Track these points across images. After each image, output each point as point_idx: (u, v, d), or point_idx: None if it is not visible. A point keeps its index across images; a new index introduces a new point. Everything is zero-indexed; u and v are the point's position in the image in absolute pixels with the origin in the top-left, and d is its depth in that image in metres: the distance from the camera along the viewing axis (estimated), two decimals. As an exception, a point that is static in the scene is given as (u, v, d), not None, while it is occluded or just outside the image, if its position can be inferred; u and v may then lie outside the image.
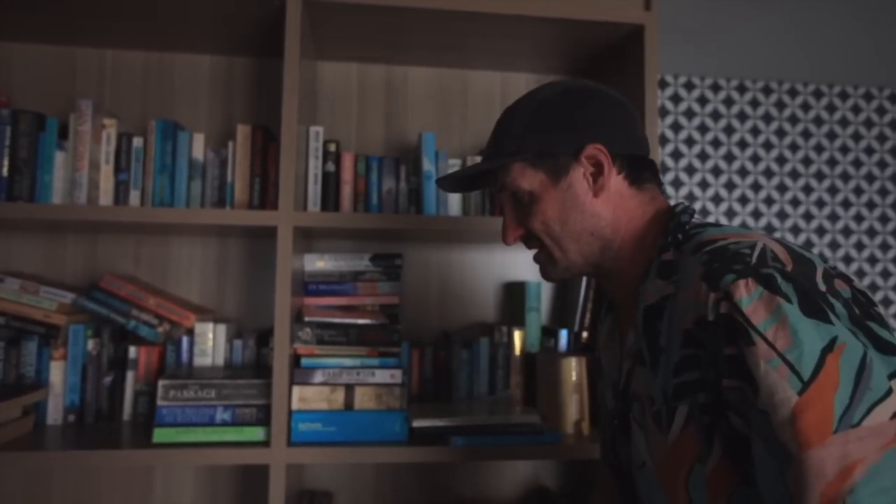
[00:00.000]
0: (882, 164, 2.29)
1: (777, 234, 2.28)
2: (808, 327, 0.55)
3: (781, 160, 2.29)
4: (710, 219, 2.22)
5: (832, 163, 2.28)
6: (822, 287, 0.58)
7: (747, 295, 0.58)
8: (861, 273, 2.28)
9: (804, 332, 0.54)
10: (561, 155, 0.77)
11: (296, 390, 1.21)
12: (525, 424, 1.24)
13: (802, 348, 0.54)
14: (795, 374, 0.54)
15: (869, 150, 2.32)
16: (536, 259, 0.83)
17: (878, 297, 2.20)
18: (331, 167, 1.40)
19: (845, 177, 2.27)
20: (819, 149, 2.28)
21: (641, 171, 0.79)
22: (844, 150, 2.30)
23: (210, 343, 1.37)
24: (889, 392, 0.53)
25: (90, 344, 1.33)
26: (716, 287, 0.60)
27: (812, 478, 0.51)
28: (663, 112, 2.25)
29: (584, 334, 1.42)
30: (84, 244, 1.47)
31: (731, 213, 2.17)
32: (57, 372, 1.32)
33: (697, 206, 2.12)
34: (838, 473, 0.50)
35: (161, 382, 1.18)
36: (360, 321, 1.26)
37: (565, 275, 0.81)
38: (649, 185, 0.80)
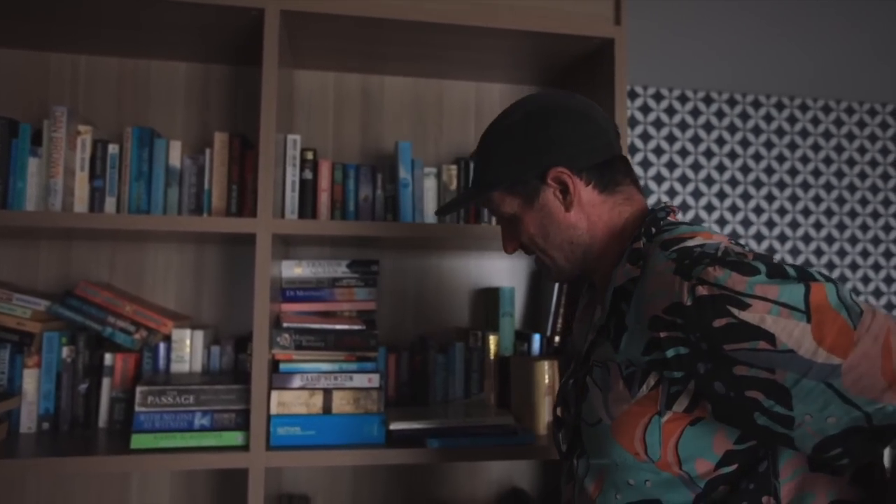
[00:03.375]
0: (840, 174, 2.38)
1: (742, 241, 2.35)
2: (779, 283, 0.65)
3: (745, 169, 2.37)
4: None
5: (793, 172, 2.37)
6: (784, 268, 0.68)
7: (721, 274, 0.66)
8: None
9: (783, 282, 0.64)
10: (530, 180, 0.84)
11: (274, 395, 1.22)
12: (499, 426, 1.28)
13: (787, 289, 0.64)
14: (795, 310, 0.63)
15: (828, 160, 2.40)
16: (536, 264, 0.90)
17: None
18: (308, 175, 1.42)
19: (805, 185, 2.35)
20: (781, 159, 2.36)
21: (612, 175, 0.85)
22: (805, 160, 2.39)
23: (187, 349, 1.37)
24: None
25: (65, 351, 1.33)
26: (688, 276, 0.68)
27: (866, 368, 0.61)
28: (633, 122, 2.31)
29: (556, 339, 1.46)
30: (58, 251, 1.46)
31: (697, 221, 2.24)
32: (30, 380, 1.31)
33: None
34: (881, 352, 0.61)
35: (139, 388, 1.19)
36: (338, 326, 1.28)
37: (560, 278, 0.90)
38: (623, 186, 0.86)
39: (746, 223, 2.26)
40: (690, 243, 0.74)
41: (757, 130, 2.35)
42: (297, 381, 1.23)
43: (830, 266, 2.32)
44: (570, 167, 0.83)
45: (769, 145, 2.32)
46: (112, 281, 1.48)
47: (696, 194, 2.32)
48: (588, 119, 0.84)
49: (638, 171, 2.34)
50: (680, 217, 0.90)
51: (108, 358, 1.34)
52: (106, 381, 1.34)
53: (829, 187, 2.33)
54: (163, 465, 1.15)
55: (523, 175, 0.84)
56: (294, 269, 1.41)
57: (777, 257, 0.66)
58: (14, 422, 1.30)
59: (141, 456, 1.14)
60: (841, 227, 2.36)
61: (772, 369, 0.64)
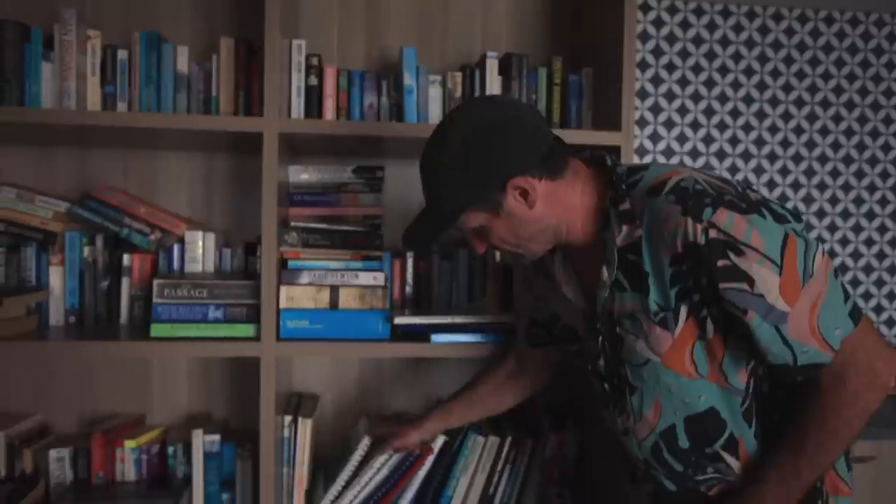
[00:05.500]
0: (864, 91, 2.32)
1: (754, 162, 2.33)
2: (767, 228, 0.80)
3: (762, 86, 2.32)
4: (687, 147, 2.25)
5: (813, 89, 2.31)
6: (752, 197, 0.83)
7: (727, 220, 0.80)
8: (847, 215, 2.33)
9: (767, 233, 0.80)
10: (491, 196, 0.90)
11: (283, 290, 1.28)
12: (501, 323, 1.33)
13: (771, 245, 0.80)
14: (774, 263, 0.80)
15: (851, 77, 2.34)
16: (509, 255, 0.98)
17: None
18: (313, 81, 1.43)
19: (825, 103, 2.30)
20: (801, 75, 2.30)
21: (556, 161, 0.91)
22: (826, 76, 2.33)
23: (200, 250, 1.43)
24: (814, 240, 0.84)
25: (86, 251, 1.39)
26: (700, 219, 0.81)
27: (800, 319, 0.80)
28: (645, 36, 2.25)
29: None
30: (74, 158, 1.51)
31: (708, 139, 2.22)
32: (56, 276, 1.38)
33: (675, 131, 2.16)
34: (810, 308, 0.80)
35: (156, 282, 1.25)
36: (344, 227, 1.33)
37: (534, 258, 0.99)
38: (568, 163, 0.93)
39: (760, 142, 2.23)
40: (673, 182, 0.85)
41: (777, 45, 2.28)
42: (304, 278, 1.29)
43: (847, 187, 2.30)
44: (524, 173, 0.89)
45: (789, 61, 2.25)
46: (126, 188, 1.53)
47: (709, 112, 2.28)
48: (520, 122, 0.89)
49: (649, 88, 2.30)
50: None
51: (126, 258, 1.41)
52: (125, 281, 1.42)
53: (850, 105, 2.28)
54: (180, 352, 1.22)
55: (483, 194, 0.90)
56: (301, 175, 1.44)
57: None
58: (44, 316, 1.39)
59: (160, 343, 1.22)
60: (861, 147, 2.32)
61: (745, 310, 0.80)
